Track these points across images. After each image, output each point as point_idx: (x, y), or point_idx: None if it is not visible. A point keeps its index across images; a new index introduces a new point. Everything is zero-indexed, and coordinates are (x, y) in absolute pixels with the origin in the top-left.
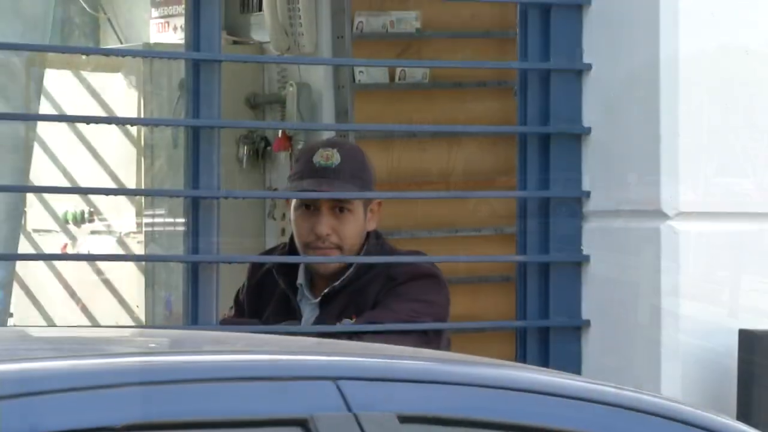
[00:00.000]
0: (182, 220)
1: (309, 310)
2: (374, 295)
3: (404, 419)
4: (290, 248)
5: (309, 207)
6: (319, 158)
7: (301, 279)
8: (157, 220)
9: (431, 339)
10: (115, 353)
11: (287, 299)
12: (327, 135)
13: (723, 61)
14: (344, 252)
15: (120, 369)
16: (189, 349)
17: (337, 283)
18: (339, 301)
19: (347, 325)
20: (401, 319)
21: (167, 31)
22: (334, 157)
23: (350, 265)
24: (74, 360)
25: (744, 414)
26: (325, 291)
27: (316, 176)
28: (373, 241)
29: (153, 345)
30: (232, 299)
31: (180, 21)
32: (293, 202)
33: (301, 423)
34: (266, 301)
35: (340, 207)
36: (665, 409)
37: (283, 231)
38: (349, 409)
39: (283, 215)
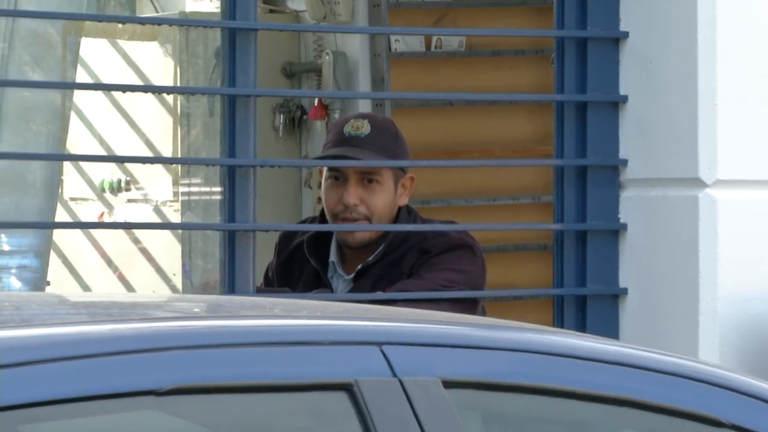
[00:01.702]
0: (218, 188)
1: (342, 286)
2: (408, 269)
3: (449, 384)
4: (320, 222)
5: (338, 178)
6: (349, 128)
7: (333, 256)
8: (193, 188)
9: (466, 308)
10: (157, 318)
11: (317, 276)
12: (363, 103)
13: (761, 27)
14: (373, 224)
15: (163, 333)
16: (231, 314)
17: (370, 259)
18: (372, 276)
19: (380, 294)
20: (434, 287)
21: None
22: (365, 127)
23: (382, 240)
24: (117, 324)
25: None
26: (359, 267)
27: (345, 145)
28: (405, 215)
29: (196, 310)
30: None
31: None
32: (324, 173)
33: (346, 387)
34: (296, 278)
35: (368, 178)
36: (707, 374)
37: (319, 200)
38: (394, 375)
39: (319, 184)
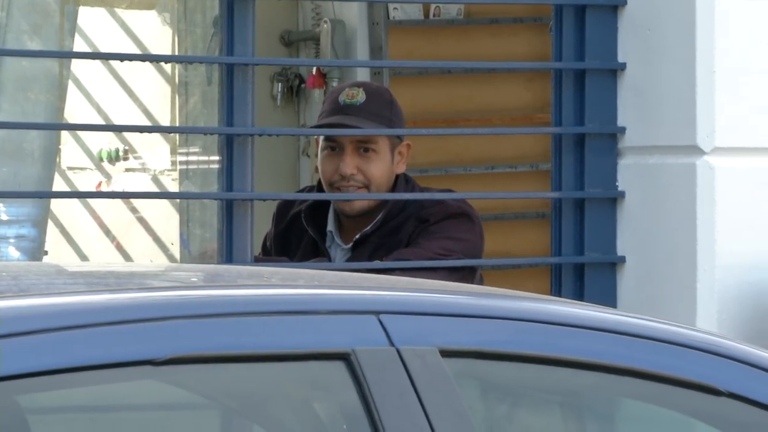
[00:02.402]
0: (216, 157)
1: (340, 255)
2: (406, 237)
3: (446, 353)
4: (318, 191)
5: (334, 148)
6: (344, 97)
7: (331, 226)
8: (191, 157)
9: (464, 276)
10: (154, 287)
11: (315, 246)
12: (361, 72)
13: None
14: (371, 192)
15: (161, 303)
16: (229, 283)
17: (368, 228)
18: (370, 245)
19: (378, 263)
20: (432, 256)
21: None
22: (359, 96)
23: (380, 209)
24: (115, 294)
25: None
26: (357, 237)
27: (341, 114)
28: (402, 183)
29: (193, 279)
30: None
31: None
32: (320, 143)
33: (344, 357)
34: (294, 247)
35: (364, 147)
36: (705, 342)
37: (316, 168)
38: (392, 344)
39: (317, 153)
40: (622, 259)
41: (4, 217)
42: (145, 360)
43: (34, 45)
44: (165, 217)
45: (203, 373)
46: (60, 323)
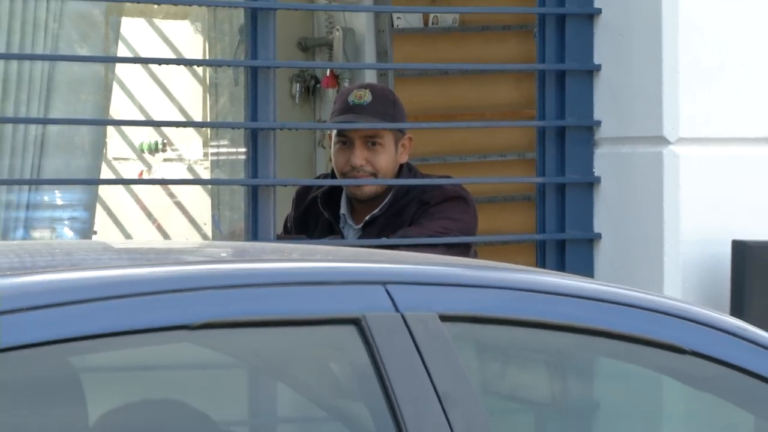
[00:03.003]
0: (243, 149)
1: (352, 234)
2: (409, 218)
3: (445, 318)
4: (331, 179)
5: (345, 142)
6: (353, 97)
7: (343, 209)
8: (221, 149)
9: (460, 251)
10: (190, 262)
11: (330, 226)
12: (369, 73)
13: (718, 3)
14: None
15: (195, 275)
16: (254, 258)
17: (376, 211)
18: (378, 225)
19: (385, 240)
20: (432, 234)
21: None
22: (366, 96)
23: (386, 194)
24: (155, 267)
25: (736, 314)
26: (367, 218)
27: (350, 113)
28: (406, 171)
29: (223, 254)
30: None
31: None
32: (332, 138)
33: (355, 321)
34: (311, 228)
35: (372, 141)
36: (671, 307)
37: (330, 159)
38: (397, 310)
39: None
40: (599, 236)
41: (59, 202)
42: (181, 325)
43: (83, 51)
44: (199, 201)
45: (232, 337)
46: (107, 293)
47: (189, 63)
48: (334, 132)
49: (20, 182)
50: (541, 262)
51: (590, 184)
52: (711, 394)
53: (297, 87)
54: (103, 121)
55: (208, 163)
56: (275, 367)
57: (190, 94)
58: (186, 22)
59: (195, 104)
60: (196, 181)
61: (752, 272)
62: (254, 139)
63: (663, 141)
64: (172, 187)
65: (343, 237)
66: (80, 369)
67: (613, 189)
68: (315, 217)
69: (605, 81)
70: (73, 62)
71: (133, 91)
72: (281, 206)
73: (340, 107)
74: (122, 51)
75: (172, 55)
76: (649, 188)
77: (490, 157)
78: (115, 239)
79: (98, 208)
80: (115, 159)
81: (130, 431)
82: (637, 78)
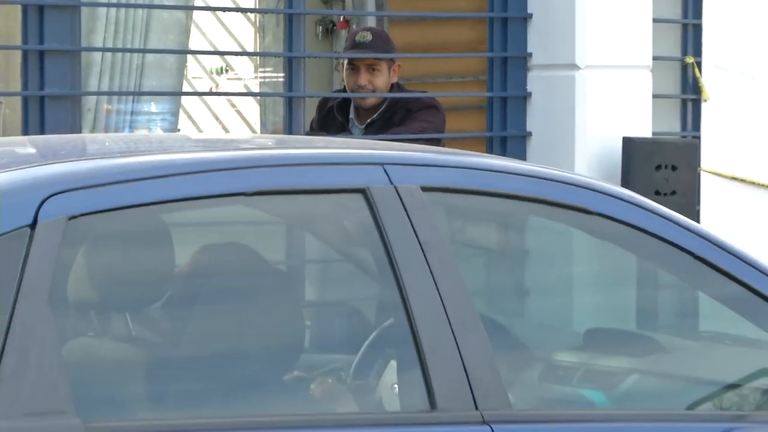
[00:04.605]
0: (282, 73)
1: (357, 132)
2: (398, 120)
3: (425, 189)
4: (343, 93)
5: (353, 68)
6: (359, 37)
7: (352, 114)
8: (267, 72)
9: (433, 144)
10: (246, 148)
11: (343, 126)
12: (371, 19)
13: None
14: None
15: (250, 157)
16: (291, 146)
17: (375, 116)
18: (376, 125)
19: (381, 135)
20: (414, 131)
21: None
22: (368, 36)
23: (382, 104)
24: (221, 152)
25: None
26: (368, 121)
27: (356, 47)
28: (396, 88)
29: (269, 143)
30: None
31: None
32: (344, 65)
33: (362, 191)
34: (329, 127)
35: (372, 67)
36: (580, 181)
37: (342, 79)
38: (391, 183)
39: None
40: (530, 134)
41: (153, 109)
42: (240, 192)
43: (170, 2)
44: (251, 109)
45: (277, 201)
46: (188, 170)
47: (245, 11)
48: (346, 61)
49: (127, 93)
50: (490, 152)
51: (524, 97)
52: (610, 243)
53: (319, 29)
54: (184, 51)
55: (258, 82)
56: (306, 222)
57: (245, 33)
58: None
59: (248, 40)
60: (250, 94)
61: (636, 159)
62: (290, 65)
63: (575, 67)
64: (233, 98)
65: (351, 134)
66: (170, 224)
67: (540, 102)
68: (332, 119)
69: (535, 25)
70: (163, 10)
71: (205, 31)
72: (309, 112)
73: (349, 44)
74: (198, 2)
75: (232, 5)
76: (566, 101)
77: (454, 78)
78: (193, 133)
79: (181, 113)
80: (193, 78)
81: (207, 263)
82: (557, 22)
